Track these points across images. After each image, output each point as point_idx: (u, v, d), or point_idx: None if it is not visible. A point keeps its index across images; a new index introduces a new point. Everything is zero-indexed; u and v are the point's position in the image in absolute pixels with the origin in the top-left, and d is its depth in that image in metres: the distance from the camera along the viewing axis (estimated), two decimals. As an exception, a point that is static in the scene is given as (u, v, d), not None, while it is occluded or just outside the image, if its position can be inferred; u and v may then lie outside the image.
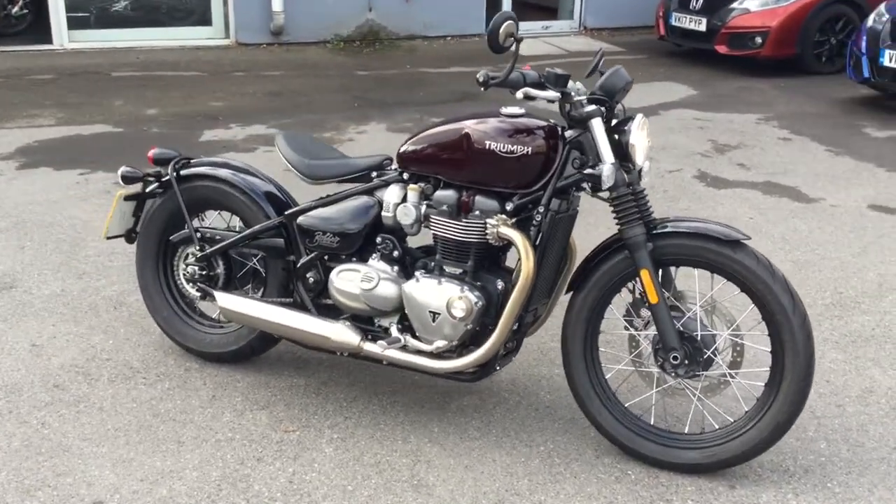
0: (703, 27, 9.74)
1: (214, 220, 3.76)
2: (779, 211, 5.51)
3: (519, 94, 2.86)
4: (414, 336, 3.12)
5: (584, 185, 2.99)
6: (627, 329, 3.08)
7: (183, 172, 3.54)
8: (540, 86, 2.90)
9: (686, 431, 3.03)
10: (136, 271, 3.74)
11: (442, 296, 3.01)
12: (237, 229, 3.60)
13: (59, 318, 4.04)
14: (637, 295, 3.06)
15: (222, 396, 3.44)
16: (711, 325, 2.96)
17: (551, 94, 2.87)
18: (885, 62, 7.77)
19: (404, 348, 3.13)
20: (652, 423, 3.06)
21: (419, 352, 3.11)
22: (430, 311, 3.03)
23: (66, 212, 5.32)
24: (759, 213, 5.47)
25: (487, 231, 2.97)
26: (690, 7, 9.90)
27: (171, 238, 3.60)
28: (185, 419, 3.29)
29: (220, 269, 3.52)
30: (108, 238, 3.68)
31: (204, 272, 3.52)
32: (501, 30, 2.71)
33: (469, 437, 3.18)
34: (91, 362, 3.67)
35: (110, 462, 3.05)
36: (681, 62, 10.05)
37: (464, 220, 3.01)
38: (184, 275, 3.59)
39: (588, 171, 2.85)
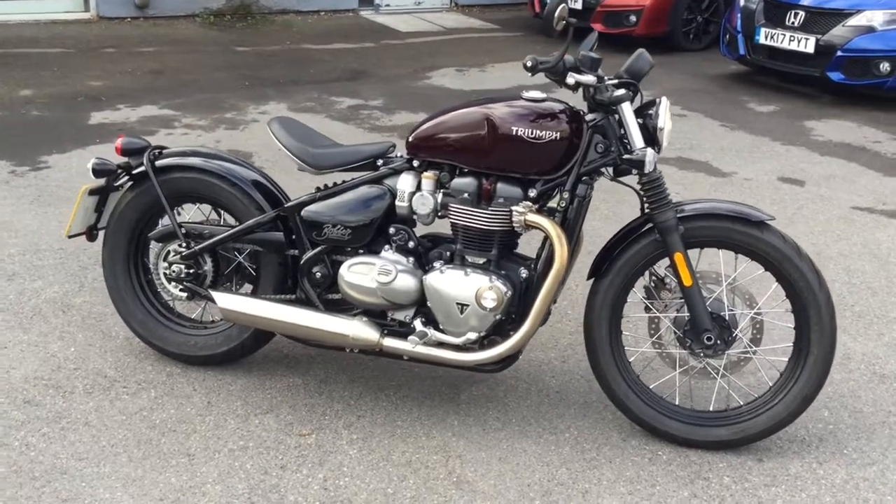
0: (578, 5, 9.92)
1: (190, 213, 3.50)
2: (700, 186, 5.71)
3: (571, 80, 2.81)
4: (437, 329, 3.02)
5: (604, 169, 2.99)
6: (648, 312, 3.10)
7: (158, 163, 3.27)
8: (576, 70, 2.85)
9: (711, 409, 3.09)
10: (103, 272, 3.43)
11: (470, 287, 2.92)
12: (220, 223, 3.38)
13: (2, 325, 3.66)
14: (655, 277, 3.09)
15: (219, 402, 3.22)
16: (732, 304, 3.02)
17: (590, 77, 2.83)
18: (761, 40, 8.17)
19: (425, 342, 3.02)
20: (677, 403, 3.10)
21: (440, 344, 3.02)
22: (458, 303, 2.94)
23: (-33, 206, 4.83)
24: (683, 188, 5.65)
25: (514, 219, 2.91)
26: (566, -16, 10.06)
27: (150, 235, 3.32)
28: (187, 429, 3.06)
29: (208, 267, 3.28)
30: (71, 237, 3.35)
31: (191, 271, 3.27)
32: (556, 13, 2.65)
33: (491, 429, 3.13)
34: (57, 373, 3.36)
35: (119, 482, 2.80)
36: (557, 40, 10.19)
37: (489, 209, 2.93)
38: (166, 274, 3.32)
39: (628, 156, 2.84)
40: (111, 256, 3.38)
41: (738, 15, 8.49)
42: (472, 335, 2.96)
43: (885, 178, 5.96)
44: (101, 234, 3.40)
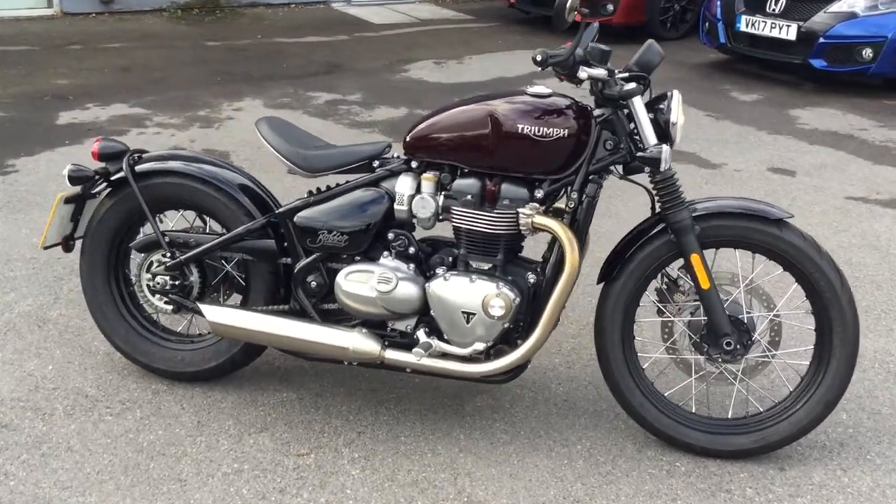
0: (554, -7, 9.76)
1: (174, 221, 3.31)
2: (691, 178, 5.59)
3: (583, 75, 2.65)
4: (441, 339, 2.86)
5: (613, 167, 2.85)
6: (661, 315, 2.96)
7: (139, 168, 3.07)
8: (586, 63, 2.70)
9: (730, 416, 2.96)
10: (82, 285, 3.22)
11: (477, 294, 2.77)
12: (205, 231, 3.20)
13: (-27, 342, 3.46)
14: (667, 279, 2.95)
15: (209, 421, 3.04)
16: (749, 306, 2.89)
17: (601, 71, 2.68)
18: (742, 27, 8.08)
19: (430, 354, 2.86)
20: (693, 410, 2.96)
21: (444, 355, 2.86)
22: (464, 312, 2.78)
23: (-68, 214, 4.59)
24: (674, 180, 5.51)
25: (521, 221, 2.75)
26: (541, -26, 9.91)
27: (131, 245, 3.13)
28: (177, 452, 2.88)
29: (195, 278, 3.09)
30: (46, 247, 3.14)
31: (177, 282, 3.08)
32: (568, 4, 2.49)
33: (500, 442, 2.97)
34: (35, 393, 3.15)
35: (107, 513, 2.62)
36: (533, 30, 10.06)
37: (495, 211, 2.77)
38: (149, 286, 3.13)
39: (641, 154, 2.69)
40: (90, 268, 3.18)
41: (718, 3, 8.38)
42: (480, 345, 2.80)
43: (875, 166, 5.88)
44: (78, 243, 3.20)
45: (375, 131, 6.26)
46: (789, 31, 7.72)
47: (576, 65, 2.66)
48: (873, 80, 7.72)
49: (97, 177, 3.08)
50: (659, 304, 2.95)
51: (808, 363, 2.87)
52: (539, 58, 2.62)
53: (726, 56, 8.74)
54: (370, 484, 2.76)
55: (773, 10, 7.86)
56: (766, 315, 2.86)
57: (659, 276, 2.93)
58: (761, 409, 2.93)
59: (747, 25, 8.03)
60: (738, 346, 2.79)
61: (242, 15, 10.21)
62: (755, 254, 2.84)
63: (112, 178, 3.08)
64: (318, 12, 10.65)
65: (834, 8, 7.57)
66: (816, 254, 2.75)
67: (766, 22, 7.88)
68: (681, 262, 2.84)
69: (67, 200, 3.11)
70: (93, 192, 3.13)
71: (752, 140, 6.41)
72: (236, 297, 3.21)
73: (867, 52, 7.42)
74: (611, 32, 9.65)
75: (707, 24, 8.59)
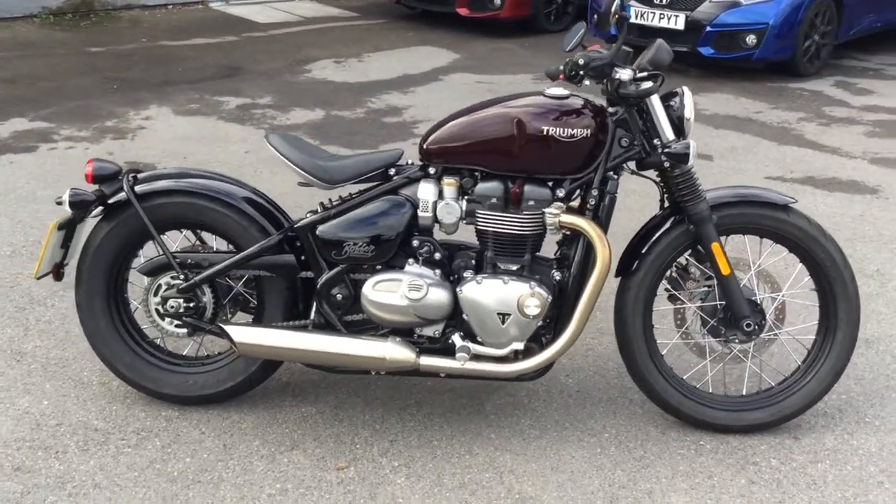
0: (444, -11, 9.85)
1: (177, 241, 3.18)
2: (619, 166, 5.78)
3: (626, 76, 2.74)
4: (473, 342, 2.89)
5: (626, 164, 2.95)
6: (674, 302, 3.09)
7: (139, 189, 2.95)
8: (612, 66, 2.78)
9: (745, 393, 3.12)
10: (79, 316, 3.06)
11: (511, 295, 2.81)
12: (207, 249, 3.11)
13: (-50, 383, 3.23)
14: (678, 267, 3.08)
15: (235, 443, 2.96)
16: (757, 288, 3.06)
17: (629, 72, 2.77)
18: (631, 19, 8.37)
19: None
20: (710, 391, 3.11)
21: (476, 357, 2.89)
22: (500, 314, 2.82)
23: None
24: (604, 170, 5.70)
25: (548, 221, 2.82)
26: (429, -30, 9.96)
27: (139, 269, 3.00)
28: (213, 478, 2.79)
29: (209, 298, 3.00)
30: (39, 277, 2.98)
31: (191, 304, 2.97)
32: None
33: (531, 437, 3.03)
34: (39, 431, 2.98)
35: (161, 549, 2.52)
36: (422, 25, 10.08)
37: (523, 213, 2.82)
38: (158, 311, 3.01)
39: (669, 150, 2.80)
40: (89, 298, 3.03)
41: (605, -6, 8.68)
42: (518, 345, 2.85)
43: (781, 146, 6.26)
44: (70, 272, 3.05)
45: (299, 134, 6.15)
46: (678, 21, 8.07)
47: (608, 67, 2.74)
48: (756, 65, 8.18)
49: (97, 200, 2.93)
50: (674, 291, 3.07)
51: (814, 337, 3.07)
52: (582, 62, 2.69)
53: (614, 46, 9.03)
54: (419, 491, 2.76)
55: (661, 0, 8.20)
56: (776, 296, 3.04)
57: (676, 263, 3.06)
58: (773, 384, 3.10)
59: (637, 16, 8.33)
60: (756, 328, 2.95)
61: (119, 18, 9.79)
62: (763, 238, 3.01)
63: (111, 200, 2.95)
64: (197, 13, 10.32)
65: (717, -3, 7.98)
66: (822, 235, 2.95)
67: (654, 13, 8.19)
68: (691, 250, 2.99)
69: (61, 226, 2.95)
70: (84, 216, 2.98)
71: (663, 127, 6.67)
72: (240, 317, 3.14)
73: (751, 39, 7.86)
74: (499, 26, 9.88)
75: (596, 15, 8.86)
